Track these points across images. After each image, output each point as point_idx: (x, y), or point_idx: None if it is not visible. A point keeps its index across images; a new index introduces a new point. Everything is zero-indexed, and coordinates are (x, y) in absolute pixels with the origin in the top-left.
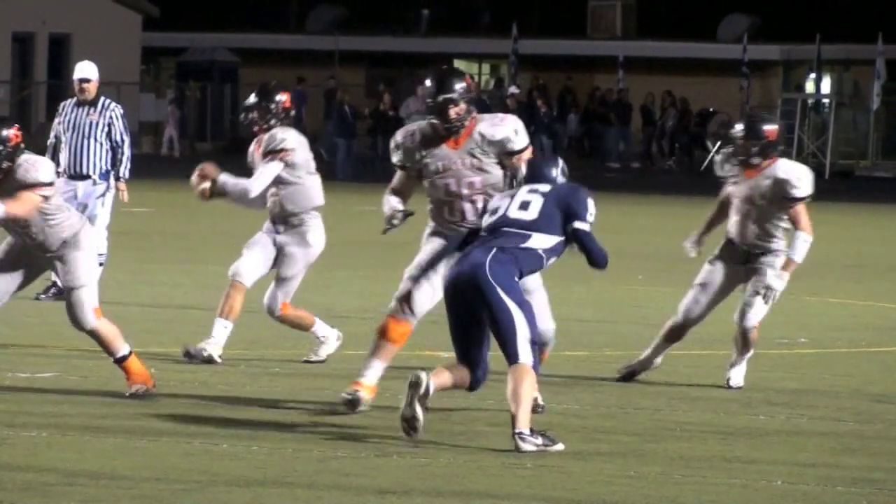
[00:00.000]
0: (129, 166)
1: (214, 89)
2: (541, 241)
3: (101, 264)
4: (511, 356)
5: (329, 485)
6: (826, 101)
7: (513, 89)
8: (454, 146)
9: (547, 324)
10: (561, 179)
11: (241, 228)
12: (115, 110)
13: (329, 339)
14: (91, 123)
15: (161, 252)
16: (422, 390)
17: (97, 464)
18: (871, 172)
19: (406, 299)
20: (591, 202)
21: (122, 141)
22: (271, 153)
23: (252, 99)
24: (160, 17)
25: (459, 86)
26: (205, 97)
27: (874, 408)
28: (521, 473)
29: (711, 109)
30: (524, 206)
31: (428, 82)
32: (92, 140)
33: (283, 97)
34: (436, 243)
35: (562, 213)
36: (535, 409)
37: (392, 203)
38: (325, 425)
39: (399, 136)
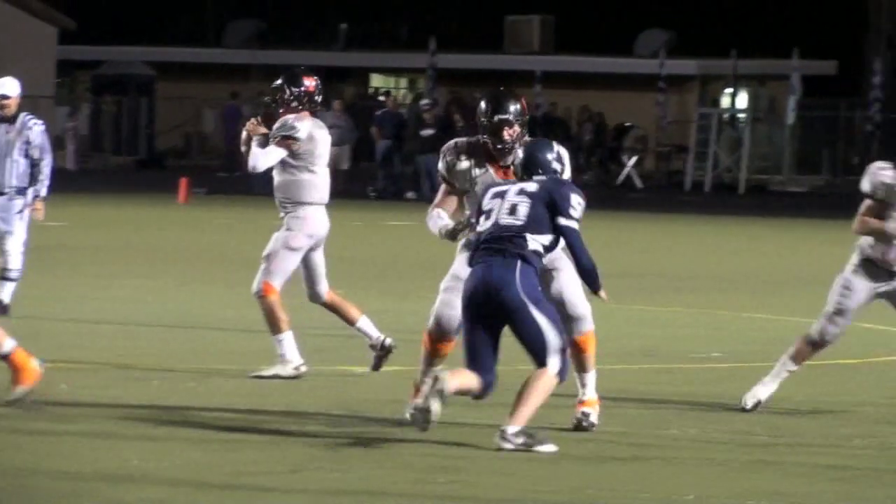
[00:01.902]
0: (48, 184)
1: (130, 103)
2: (535, 242)
3: (15, 279)
4: (539, 365)
5: (351, 490)
6: (742, 115)
7: (425, 103)
8: (503, 176)
9: (581, 308)
10: (556, 166)
11: (155, 241)
12: (35, 127)
13: (288, 361)
14: (8, 141)
15: (75, 266)
16: (439, 385)
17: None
18: (785, 187)
19: (442, 322)
20: (575, 196)
21: (42, 158)
22: (279, 138)
23: (278, 82)
24: (76, 29)
25: (514, 108)
26: (120, 111)
27: (786, 422)
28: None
29: (628, 124)
30: (512, 210)
31: (483, 103)
32: (8, 158)
33: (309, 82)
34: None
35: (548, 211)
36: (581, 424)
37: (444, 221)
38: (344, 436)
39: (448, 150)
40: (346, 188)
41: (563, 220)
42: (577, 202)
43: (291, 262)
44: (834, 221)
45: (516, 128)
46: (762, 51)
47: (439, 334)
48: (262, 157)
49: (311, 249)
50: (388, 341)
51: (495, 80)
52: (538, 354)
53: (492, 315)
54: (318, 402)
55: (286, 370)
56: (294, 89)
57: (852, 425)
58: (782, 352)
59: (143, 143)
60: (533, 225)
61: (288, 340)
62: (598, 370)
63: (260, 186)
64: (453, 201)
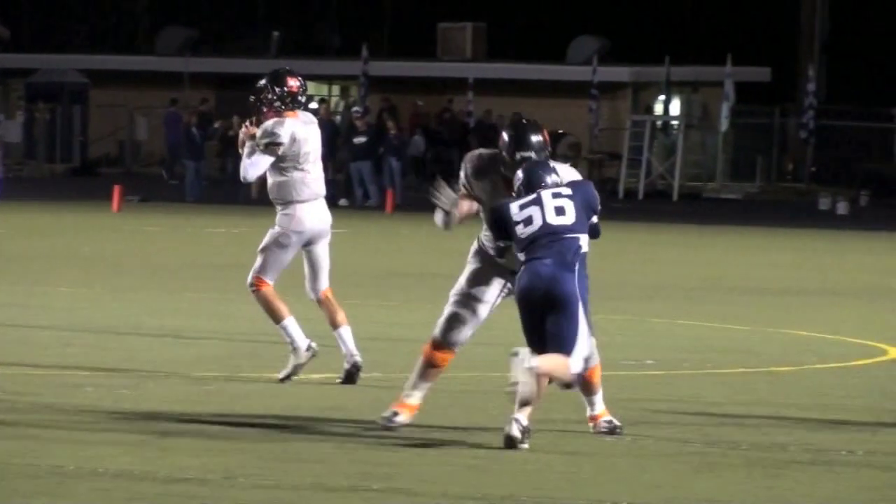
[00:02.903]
0: None
1: (64, 111)
2: (585, 242)
3: None
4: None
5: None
6: (675, 122)
7: (356, 110)
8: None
9: (588, 348)
10: (554, 178)
11: (88, 249)
12: None
13: (298, 348)
14: None
15: (8, 274)
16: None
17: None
18: (718, 194)
19: (448, 332)
20: (597, 196)
21: None
22: (263, 146)
23: (262, 82)
24: (9, 38)
25: (536, 140)
26: (54, 119)
27: (719, 429)
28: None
29: (560, 131)
30: (560, 211)
31: (506, 136)
32: None
33: (293, 82)
34: (479, 265)
35: (585, 212)
36: (613, 430)
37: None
38: (279, 442)
39: (469, 167)
40: None
41: (595, 219)
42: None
43: (281, 257)
44: (767, 228)
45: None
46: (695, 57)
47: (443, 344)
48: (251, 168)
49: (311, 244)
50: (359, 360)
51: (428, 87)
52: (566, 350)
53: (546, 312)
54: (252, 408)
55: (300, 358)
56: (277, 90)
57: (786, 432)
58: (714, 359)
59: (77, 151)
60: (579, 225)
61: (292, 326)
62: None
63: (192, 193)
64: (467, 205)
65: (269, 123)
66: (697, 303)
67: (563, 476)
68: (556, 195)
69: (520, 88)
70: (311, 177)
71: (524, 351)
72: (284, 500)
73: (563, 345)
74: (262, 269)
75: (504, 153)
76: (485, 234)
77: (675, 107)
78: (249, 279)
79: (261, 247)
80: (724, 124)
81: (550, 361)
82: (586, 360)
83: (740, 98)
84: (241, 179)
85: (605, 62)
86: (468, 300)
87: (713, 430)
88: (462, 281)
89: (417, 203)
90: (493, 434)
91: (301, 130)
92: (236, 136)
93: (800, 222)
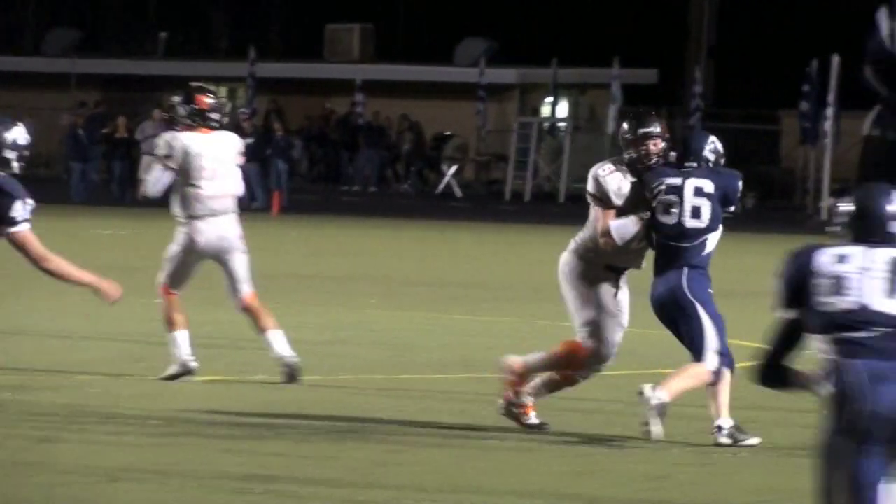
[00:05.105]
0: None
1: None
2: (713, 240)
3: None
4: (696, 360)
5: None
6: (562, 124)
7: (243, 112)
8: None
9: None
10: (710, 157)
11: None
12: None
13: (175, 360)
14: None
15: None
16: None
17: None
18: None
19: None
20: (741, 185)
21: None
22: (158, 158)
23: (175, 98)
24: None
25: (659, 125)
26: None
27: (604, 431)
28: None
29: (447, 133)
30: (696, 213)
31: (626, 124)
32: None
33: (205, 100)
34: (596, 286)
35: (721, 205)
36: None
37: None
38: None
39: (607, 172)
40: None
41: (730, 209)
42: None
43: (180, 269)
44: None
45: (662, 143)
46: (582, 59)
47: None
48: (151, 184)
49: (218, 259)
50: (291, 361)
51: (316, 88)
52: (695, 351)
53: (674, 318)
54: (138, 409)
55: (172, 369)
56: (188, 106)
57: (669, 433)
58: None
59: None
60: (713, 224)
61: (176, 340)
62: (413, 379)
63: (78, 195)
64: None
65: (164, 137)
66: None
67: (446, 478)
68: (697, 192)
69: (408, 90)
70: (206, 193)
71: (647, 388)
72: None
73: (693, 349)
74: (166, 277)
75: (627, 135)
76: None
77: (563, 109)
78: (157, 287)
79: (165, 256)
80: (611, 126)
81: (677, 384)
82: (719, 355)
83: (628, 100)
84: (141, 196)
85: (492, 64)
86: (615, 320)
87: (598, 430)
88: (597, 311)
89: (301, 206)
90: (375, 439)
91: (197, 145)
92: (122, 138)
93: None
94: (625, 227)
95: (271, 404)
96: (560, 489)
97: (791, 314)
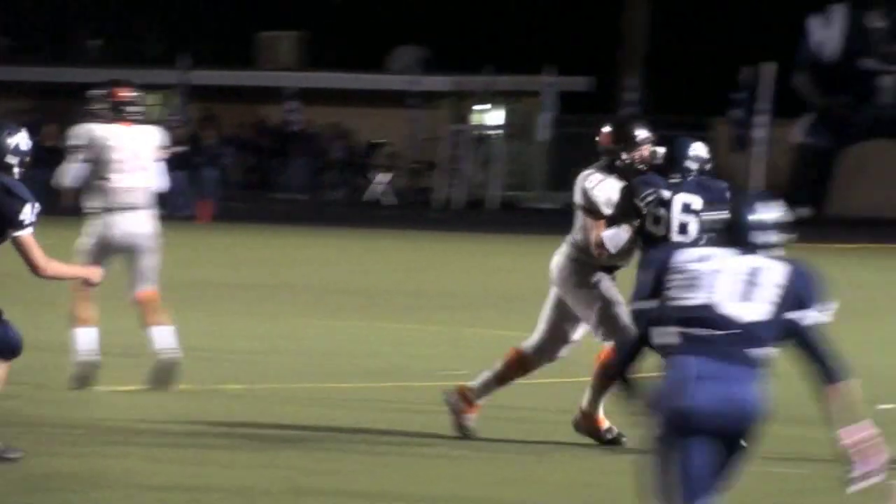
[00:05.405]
0: None
1: None
2: None
3: None
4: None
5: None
6: (495, 132)
7: (173, 119)
8: None
9: None
10: (692, 165)
11: None
12: None
13: (76, 354)
14: None
15: None
16: None
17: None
18: (538, 204)
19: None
20: (728, 196)
21: None
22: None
23: (94, 91)
24: None
25: (649, 130)
26: None
27: (534, 438)
28: None
29: (379, 141)
30: (683, 229)
31: (618, 129)
32: None
33: (123, 93)
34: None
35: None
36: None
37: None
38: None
39: (602, 193)
40: None
41: None
42: None
43: (90, 262)
44: None
45: (653, 148)
46: (516, 67)
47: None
48: (65, 175)
49: (126, 253)
50: (168, 358)
51: (249, 96)
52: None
53: None
54: (60, 417)
55: (77, 368)
56: (105, 99)
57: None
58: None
59: None
60: (698, 239)
61: (78, 336)
62: (341, 388)
63: None
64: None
65: (80, 128)
66: (512, 312)
67: (368, 488)
68: (685, 208)
69: (341, 97)
70: (120, 186)
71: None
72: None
73: None
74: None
75: (621, 141)
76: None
77: (496, 116)
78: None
79: (77, 250)
80: (542, 134)
81: None
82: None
83: (565, 108)
84: (54, 184)
85: (425, 71)
86: (622, 306)
87: (524, 437)
88: (606, 306)
89: (232, 214)
90: (298, 445)
91: (114, 138)
92: (53, 146)
93: None
94: (618, 237)
95: (196, 413)
96: (489, 496)
97: (647, 305)
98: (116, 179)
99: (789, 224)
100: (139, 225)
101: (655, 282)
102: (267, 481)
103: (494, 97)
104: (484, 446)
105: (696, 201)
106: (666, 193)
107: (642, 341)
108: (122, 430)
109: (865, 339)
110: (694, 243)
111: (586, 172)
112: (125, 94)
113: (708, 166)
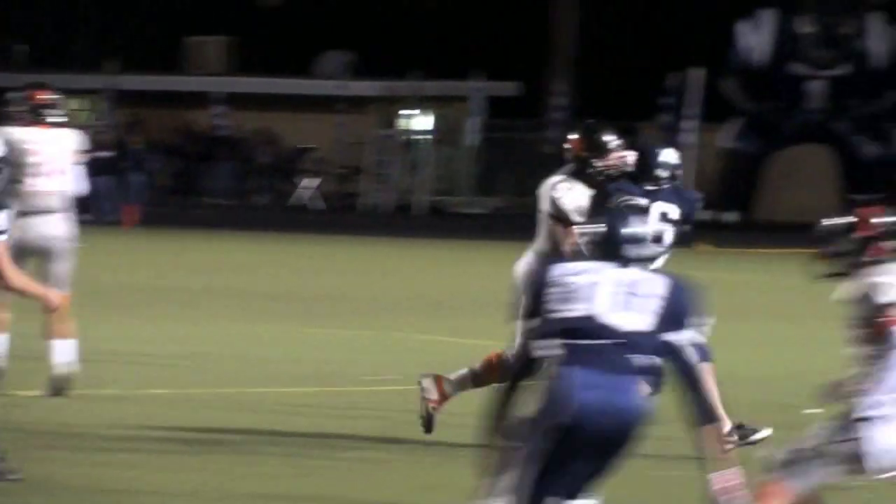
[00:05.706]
0: None
1: None
2: (662, 258)
3: None
4: None
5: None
6: (423, 137)
7: (100, 124)
8: None
9: None
10: (663, 173)
11: None
12: None
13: None
14: None
15: None
16: None
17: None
18: (466, 209)
19: None
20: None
21: None
22: None
23: (12, 94)
24: None
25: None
26: None
27: (440, 441)
28: None
29: (306, 146)
30: (658, 239)
31: (589, 136)
32: None
33: (39, 95)
34: None
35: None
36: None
37: None
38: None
39: (571, 201)
40: None
41: (685, 227)
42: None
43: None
44: (513, 243)
45: (626, 155)
46: (444, 72)
47: None
48: None
49: (43, 257)
50: (61, 373)
51: (176, 101)
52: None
53: None
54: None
55: None
56: (23, 102)
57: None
58: (456, 373)
59: None
60: (670, 247)
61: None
62: (266, 393)
63: None
64: None
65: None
66: (440, 317)
67: (297, 494)
68: (663, 217)
69: (269, 102)
70: (35, 190)
71: None
72: None
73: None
74: None
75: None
76: None
77: (424, 121)
78: None
79: None
80: (470, 139)
81: None
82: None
83: (493, 112)
84: None
85: (353, 76)
86: None
87: (444, 439)
88: None
89: (158, 219)
90: (225, 452)
91: (30, 141)
92: None
93: None
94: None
95: (123, 417)
96: (412, 501)
97: (534, 322)
98: (33, 183)
99: (659, 238)
100: (54, 228)
101: (535, 298)
102: (193, 485)
103: (422, 102)
104: (408, 449)
105: (673, 211)
106: (643, 202)
107: (532, 358)
108: (46, 433)
109: (792, 343)
110: (666, 251)
111: (554, 180)
112: (44, 97)
113: (679, 172)
